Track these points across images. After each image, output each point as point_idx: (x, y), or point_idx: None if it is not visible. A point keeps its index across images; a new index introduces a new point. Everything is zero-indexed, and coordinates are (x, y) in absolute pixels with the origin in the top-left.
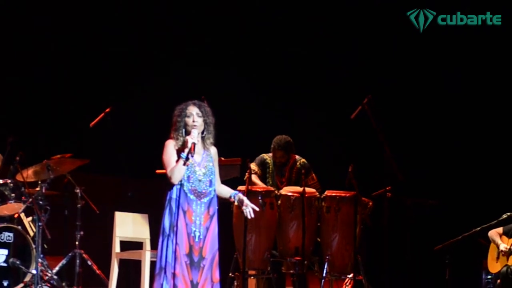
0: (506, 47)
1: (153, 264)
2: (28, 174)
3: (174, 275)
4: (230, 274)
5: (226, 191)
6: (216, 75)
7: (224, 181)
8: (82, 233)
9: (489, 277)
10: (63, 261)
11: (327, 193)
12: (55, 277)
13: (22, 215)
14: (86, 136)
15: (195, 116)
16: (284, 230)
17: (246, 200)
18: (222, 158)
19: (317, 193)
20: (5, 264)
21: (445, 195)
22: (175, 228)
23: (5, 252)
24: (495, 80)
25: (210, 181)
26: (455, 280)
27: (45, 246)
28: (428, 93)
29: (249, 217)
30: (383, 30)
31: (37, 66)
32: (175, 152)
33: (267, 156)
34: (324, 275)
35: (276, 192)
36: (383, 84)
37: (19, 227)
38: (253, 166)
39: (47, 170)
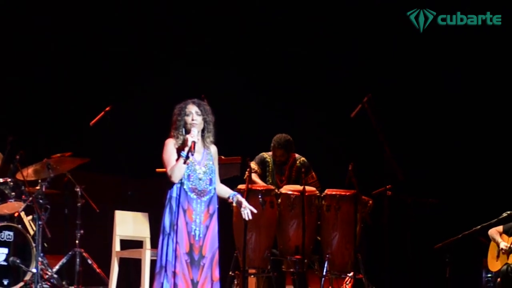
0: (506, 47)
1: (153, 262)
2: (28, 172)
3: (174, 273)
4: (230, 273)
5: (225, 191)
6: (216, 74)
7: (224, 180)
8: (82, 232)
9: (489, 275)
10: (63, 260)
11: (327, 191)
12: (55, 276)
13: (22, 214)
14: (86, 135)
15: (194, 115)
16: (284, 229)
17: (244, 202)
18: (222, 157)
19: (317, 192)
20: (5, 263)
21: (445, 194)
22: (175, 227)
23: (5, 251)
24: (495, 80)
25: (210, 180)
26: (455, 279)
27: (45, 245)
28: (428, 92)
29: (246, 218)
30: (383, 30)
31: (37, 66)
32: (175, 151)
33: (267, 155)
34: (324, 273)
35: (276, 190)
36: (383, 84)
37: (19, 226)
38: (253, 165)
39: (47, 169)
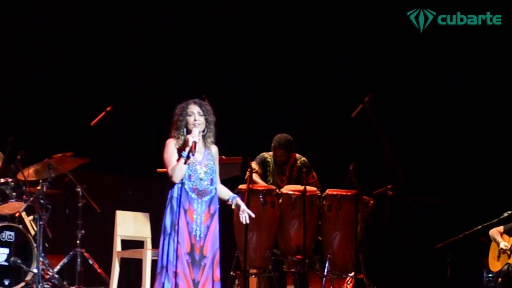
0: (506, 47)
1: (154, 263)
2: (29, 173)
3: (175, 273)
4: (231, 273)
5: (224, 193)
6: (217, 74)
7: (225, 180)
8: (83, 232)
9: (490, 275)
10: (64, 260)
11: (328, 191)
12: (56, 276)
13: (23, 214)
14: (87, 135)
15: (196, 115)
16: (285, 229)
17: (243, 206)
18: (223, 157)
19: (318, 192)
20: (6, 263)
21: (446, 194)
22: (176, 227)
23: (6, 251)
24: (495, 80)
25: (211, 180)
26: (456, 279)
27: (46, 245)
28: (428, 92)
29: (244, 222)
30: (383, 30)
31: (38, 66)
32: (176, 151)
33: (268, 155)
34: (325, 273)
35: (277, 190)
36: (383, 84)
37: (20, 226)
38: (254, 165)
39: (48, 169)
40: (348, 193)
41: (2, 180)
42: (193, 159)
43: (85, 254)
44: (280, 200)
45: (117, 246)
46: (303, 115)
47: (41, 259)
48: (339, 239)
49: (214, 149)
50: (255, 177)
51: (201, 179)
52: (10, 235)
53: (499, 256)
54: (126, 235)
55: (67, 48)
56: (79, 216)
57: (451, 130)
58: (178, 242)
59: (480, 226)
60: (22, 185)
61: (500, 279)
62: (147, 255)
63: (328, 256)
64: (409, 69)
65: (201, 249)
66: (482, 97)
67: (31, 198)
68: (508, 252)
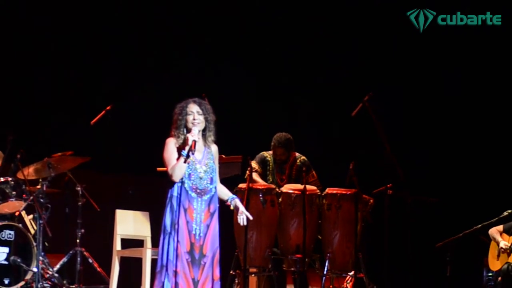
0: (506, 47)
1: (154, 262)
2: (29, 172)
3: (175, 272)
4: (231, 272)
5: (224, 193)
6: (217, 73)
7: (225, 179)
8: (83, 231)
9: (490, 274)
10: (64, 259)
11: (328, 190)
12: (56, 275)
13: (23, 213)
14: (87, 134)
15: (195, 114)
16: (285, 228)
17: (241, 208)
18: (223, 156)
19: (318, 191)
20: (6, 262)
21: (446, 193)
22: (176, 226)
23: (6, 250)
24: (495, 80)
25: (211, 179)
26: (456, 278)
27: (46, 244)
28: (429, 92)
29: (241, 224)
30: (383, 30)
31: (38, 65)
32: (175, 150)
33: (267, 154)
34: (325, 272)
35: (277, 189)
36: (383, 84)
37: (20, 225)
38: (254, 164)
39: (48, 168)
40: (348, 192)
41: (2, 179)
42: (193, 158)
43: (85, 253)
44: (280, 199)
45: (117, 245)
46: (303, 114)
47: (41, 258)
48: (339, 238)
49: (214, 148)
50: (255, 176)
51: (201, 178)
52: (10, 234)
53: (498, 255)
54: (126, 234)
55: (67, 48)
56: (79, 215)
57: (451, 129)
58: (178, 241)
59: (479, 225)
60: (22, 184)
61: (500, 278)
62: (147, 254)
63: (328, 255)
64: (409, 69)
65: (201, 248)
66: (482, 97)
67: (31, 197)
68: (508, 251)
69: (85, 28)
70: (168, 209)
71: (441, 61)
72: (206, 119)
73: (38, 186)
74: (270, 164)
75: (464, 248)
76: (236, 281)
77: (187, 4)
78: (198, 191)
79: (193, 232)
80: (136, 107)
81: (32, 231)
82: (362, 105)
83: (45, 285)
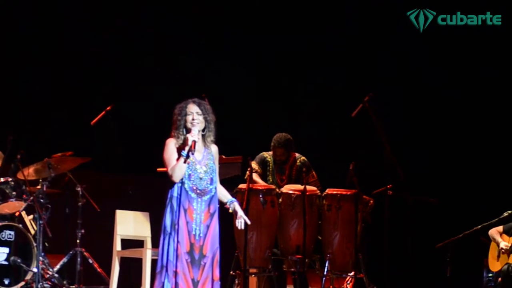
0: (506, 47)
1: (154, 262)
2: (29, 172)
3: (175, 273)
4: (231, 272)
5: (223, 195)
6: (217, 73)
7: (225, 179)
8: (83, 231)
9: (490, 275)
10: (64, 259)
11: (328, 191)
12: (56, 275)
13: (23, 213)
14: (87, 134)
15: (195, 114)
16: (285, 228)
17: (240, 212)
18: (223, 156)
19: (318, 191)
20: (6, 263)
21: (446, 193)
22: (176, 226)
23: (6, 250)
24: (495, 80)
25: (211, 179)
26: (456, 278)
27: (46, 244)
28: (429, 92)
29: (239, 228)
30: (383, 30)
31: (38, 65)
32: (175, 150)
33: (267, 154)
34: (325, 273)
35: (277, 190)
36: (383, 84)
37: (20, 225)
38: (254, 164)
39: (48, 168)
40: (348, 193)
41: (2, 180)
42: (193, 159)
43: (85, 253)
44: (280, 200)
45: (117, 246)
46: (303, 114)
47: (41, 258)
48: (339, 239)
49: (214, 148)
50: (255, 176)
51: (201, 179)
52: (10, 234)
53: (499, 256)
54: (126, 235)
55: (68, 48)
56: (79, 216)
57: (451, 129)
58: (178, 241)
59: (479, 226)
60: (22, 184)
61: (500, 279)
62: (147, 255)
63: (328, 255)
64: (409, 69)
65: (201, 248)
66: (482, 97)
67: (31, 198)
68: (508, 252)
69: (85, 28)
70: (168, 210)
71: (441, 61)
72: (205, 120)
73: (38, 187)
74: (270, 164)
75: (464, 249)
76: (236, 282)
77: (187, 4)
78: (198, 191)
79: (193, 232)
80: (136, 107)
81: (32, 232)
82: (362, 105)
83: (45, 285)
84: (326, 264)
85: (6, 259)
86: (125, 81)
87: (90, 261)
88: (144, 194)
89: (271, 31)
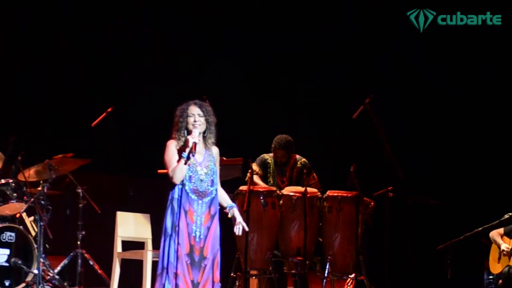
0: (506, 47)
1: (155, 264)
2: (30, 173)
3: (176, 275)
4: (231, 274)
5: (223, 199)
6: (217, 73)
7: (225, 181)
8: (83, 233)
9: (490, 277)
10: (65, 261)
11: (329, 193)
12: (56, 277)
13: (24, 215)
14: (88, 136)
15: (196, 116)
16: (286, 230)
17: (238, 218)
18: (224, 158)
19: (319, 193)
20: (7, 264)
21: (447, 195)
22: (177, 228)
23: (6, 252)
24: (495, 80)
25: (212, 181)
26: (457, 280)
27: (47, 246)
28: (429, 93)
29: (237, 233)
30: (383, 30)
31: (38, 66)
32: (176, 152)
33: (268, 156)
34: (326, 275)
35: (277, 192)
36: (383, 84)
37: (21, 226)
38: (254, 166)
39: (49, 169)
40: (349, 195)
41: (3, 181)
42: (194, 160)
43: (86, 255)
44: (281, 202)
45: (118, 247)
46: (304, 116)
47: (41, 260)
48: (340, 241)
49: (215, 150)
50: (256, 178)
51: (201, 180)
52: (10, 236)
53: (499, 258)
54: (127, 236)
55: (68, 48)
56: (80, 217)
57: (451, 131)
58: (178, 243)
59: (480, 228)
60: (23, 186)
61: (500, 281)
62: (148, 256)
63: (329, 257)
64: (409, 69)
65: (201, 250)
66: (482, 97)
67: (32, 199)
68: (509, 254)
69: (85, 28)
70: (169, 211)
71: (441, 61)
72: (206, 121)
73: (39, 188)
74: (271, 166)
75: (465, 251)
76: (237, 284)
77: (187, 4)
78: (198, 193)
79: (193, 234)
80: (137, 109)
81: (33, 233)
82: (363, 107)
83: (46, 287)
84: (327, 266)
85: (7, 261)
86: (125, 81)
87: (91, 262)
88: (145, 195)
89: (270, 31)
